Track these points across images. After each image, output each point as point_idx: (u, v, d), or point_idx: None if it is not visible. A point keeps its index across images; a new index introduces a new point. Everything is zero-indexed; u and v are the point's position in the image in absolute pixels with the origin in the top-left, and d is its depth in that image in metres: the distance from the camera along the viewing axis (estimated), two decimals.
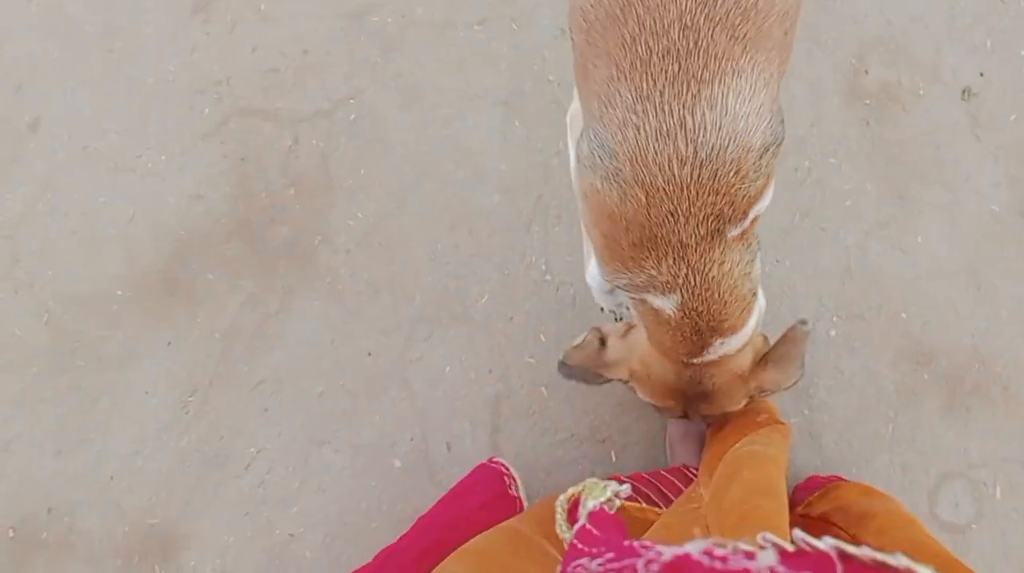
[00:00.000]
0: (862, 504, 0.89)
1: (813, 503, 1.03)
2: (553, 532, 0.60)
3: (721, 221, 0.69)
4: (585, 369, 0.85)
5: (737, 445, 0.82)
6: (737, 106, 0.65)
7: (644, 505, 0.97)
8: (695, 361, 0.80)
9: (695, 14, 0.63)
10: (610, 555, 0.44)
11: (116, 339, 1.34)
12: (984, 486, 1.21)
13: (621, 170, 0.69)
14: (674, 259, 0.71)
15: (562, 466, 1.25)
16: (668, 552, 0.40)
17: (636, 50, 0.65)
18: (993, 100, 1.35)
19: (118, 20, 1.48)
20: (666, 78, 0.64)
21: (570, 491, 0.61)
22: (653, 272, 0.73)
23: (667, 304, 0.75)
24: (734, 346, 0.80)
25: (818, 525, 0.92)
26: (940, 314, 1.28)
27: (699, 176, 0.66)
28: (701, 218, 0.69)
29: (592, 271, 1.17)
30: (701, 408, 0.87)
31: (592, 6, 0.69)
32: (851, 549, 0.33)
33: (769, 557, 0.35)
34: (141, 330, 1.34)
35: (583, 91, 0.76)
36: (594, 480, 0.61)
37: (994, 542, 1.18)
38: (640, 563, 0.40)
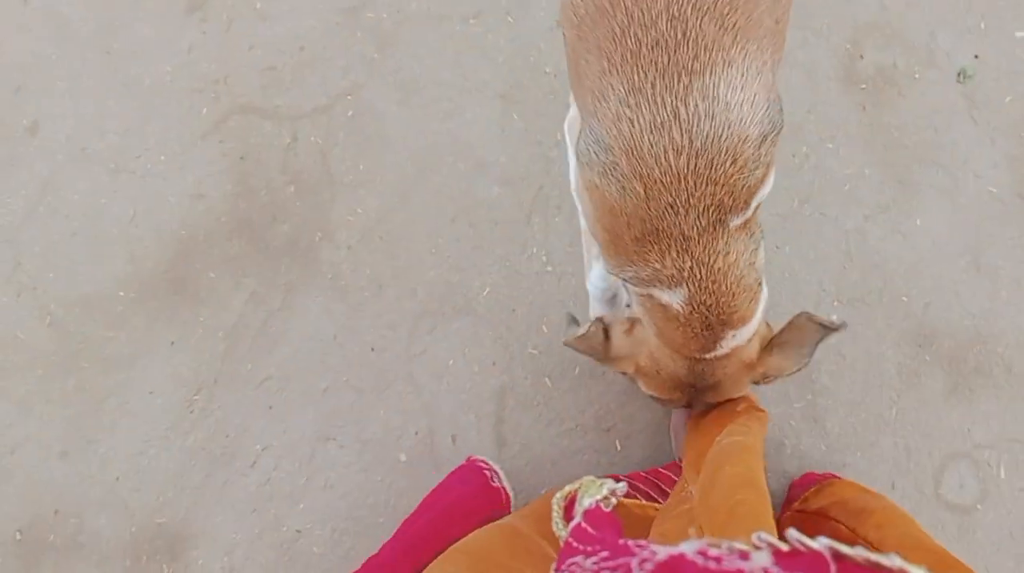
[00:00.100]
0: (860, 500, 0.89)
1: (809, 499, 1.03)
2: (551, 531, 0.60)
3: (722, 211, 0.69)
4: (587, 352, 0.85)
5: (719, 437, 0.82)
6: (730, 95, 0.65)
7: (643, 501, 0.98)
8: (707, 356, 0.80)
9: (682, 4, 0.63)
10: (605, 554, 0.44)
11: (120, 340, 1.34)
12: (988, 466, 1.21)
13: (618, 164, 0.69)
14: (678, 252, 0.71)
15: (567, 456, 1.25)
16: (662, 551, 0.40)
17: (626, 43, 0.65)
18: (988, 82, 1.36)
19: (115, 21, 1.48)
20: (656, 70, 0.64)
21: (567, 489, 0.61)
22: (658, 266, 0.73)
23: (675, 298, 0.75)
24: (744, 337, 0.80)
25: (815, 520, 0.92)
26: (941, 296, 1.28)
27: (696, 166, 0.66)
28: (701, 209, 0.69)
29: (593, 279, 1.18)
30: (707, 396, 0.87)
31: (582, 0, 0.69)
32: (845, 549, 0.33)
33: (763, 558, 0.35)
34: (145, 330, 1.34)
35: (577, 88, 0.76)
36: (591, 478, 0.61)
37: (999, 521, 1.19)
38: (634, 562, 0.41)
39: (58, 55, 1.47)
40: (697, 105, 0.64)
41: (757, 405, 0.94)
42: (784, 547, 0.35)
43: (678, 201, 0.68)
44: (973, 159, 1.33)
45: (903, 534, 0.72)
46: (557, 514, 0.59)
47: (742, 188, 0.68)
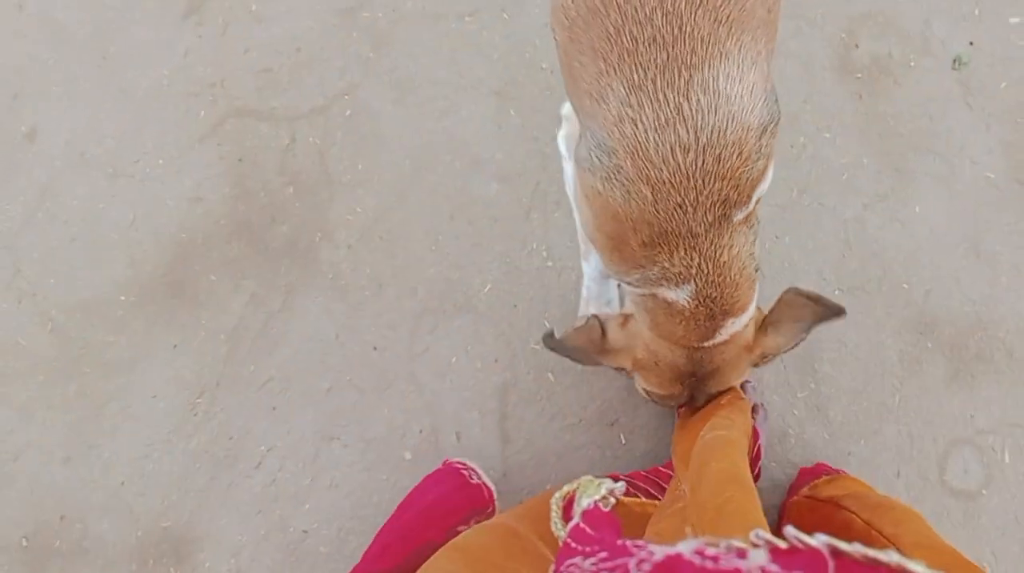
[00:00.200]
0: (876, 496, 0.89)
1: (820, 487, 1.03)
2: (549, 531, 0.60)
3: (728, 206, 0.69)
4: (583, 351, 0.85)
5: (703, 432, 0.83)
6: (729, 88, 0.65)
7: (644, 499, 0.98)
8: (707, 344, 0.80)
9: (675, 0, 0.63)
10: (603, 554, 0.44)
11: (121, 344, 1.34)
12: (993, 451, 1.21)
13: (622, 167, 0.68)
14: (685, 250, 0.71)
15: (571, 451, 1.25)
16: (660, 552, 0.40)
17: (622, 42, 0.65)
18: (983, 68, 1.36)
19: (110, 26, 1.48)
20: (656, 67, 0.64)
21: (565, 489, 0.61)
22: (666, 264, 0.73)
23: (681, 295, 0.75)
24: (743, 323, 0.81)
25: (826, 507, 0.92)
26: (941, 283, 1.28)
27: (704, 162, 0.66)
28: (709, 205, 0.69)
29: (588, 283, 1.18)
30: (708, 386, 0.87)
31: (572, 1, 0.68)
32: (843, 546, 0.33)
33: (760, 556, 0.35)
34: (146, 334, 1.34)
35: (573, 91, 0.75)
36: (589, 478, 0.61)
37: (1005, 506, 1.19)
38: (632, 562, 0.41)
39: (54, 61, 1.47)
40: (699, 99, 0.64)
41: (740, 396, 0.94)
42: (782, 544, 0.35)
43: (687, 200, 0.68)
44: (969, 146, 1.34)
45: (920, 534, 0.72)
46: (556, 514, 0.59)
47: (746, 181, 0.69)
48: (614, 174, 0.69)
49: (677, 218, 0.69)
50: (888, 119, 1.35)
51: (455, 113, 1.40)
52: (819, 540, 0.34)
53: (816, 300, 0.78)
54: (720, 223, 0.70)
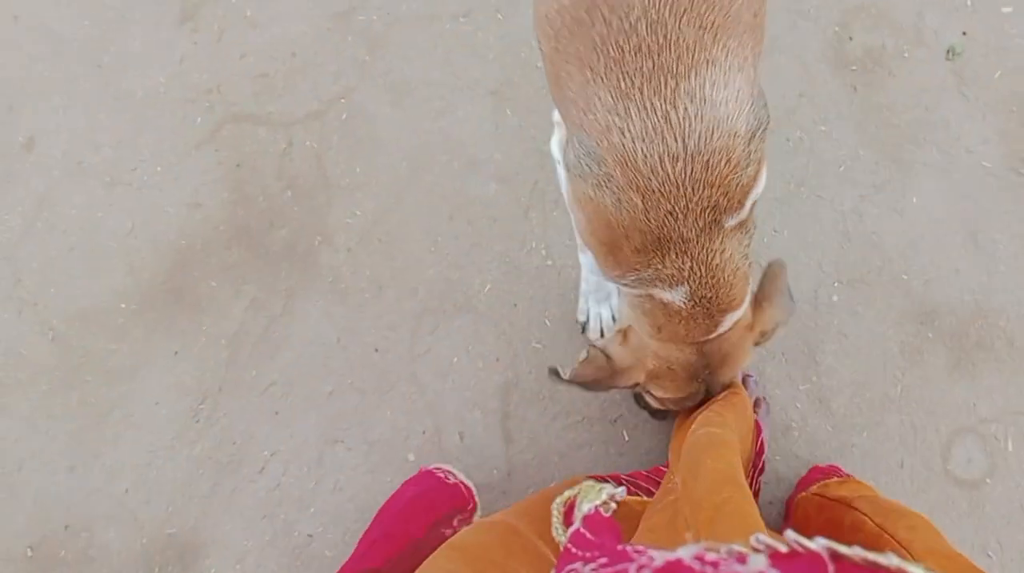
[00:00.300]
0: (889, 501, 0.88)
1: (831, 487, 1.03)
2: (548, 531, 0.60)
3: (718, 212, 0.70)
4: (597, 381, 0.85)
5: (694, 427, 0.83)
6: (715, 94, 0.65)
7: (645, 498, 0.98)
8: (711, 337, 0.81)
9: (660, 8, 0.63)
10: (603, 560, 0.44)
11: (123, 352, 1.34)
12: (996, 440, 1.22)
13: (612, 175, 0.68)
14: (677, 254, 0.72)
15: (575, 449, 1.25)
16: (660, 557, 0.40)
17: (608, 51, 0.65)
18: (977, 58, 1.37)
19: (105, 34, 1.48)
20: (643, 75, 0.64)
21: (566, 493, 0.61)
22: (659, 267, 0.74)
23: (676, 296, 0.76)
24: (740, 313, 0.82)
25: (836, 507, 0.92)
26: (941, 273, 1.29)
27: (692, 171, 0.66)
28: (699, 212, 0.69)
29: (585, 274, 1.18)
30: (722, 375, 0.88)
31: (557, 12, 0.68)
32: (843, 549, 0.33)
33: (760, 562, 0.35)
34: (147, 341, 1.34)
35: (560, 100, 0.76)
36: (590, 483, 0.61)
37: (1010, 494, 1.19)
38: (632, 568, 0.41)
39: (50, 70, 1.47)
40: (687, 107, 0.64)
41: (737, 392, 0.93)
42: (782, 548, 0.35)
43: (677, 208, 0.68)
44: (965, 135, 1.34)
45: (933, 541, 0.72)
46: (557, 520, 0.59)
47: (736, 187, 0.69)
48: (605, 182, 0.69)
49: (668, 225, 0.69)
50: (884, 110, 1.36)
51: (451, 114, 1.40)
52: (819, 543, 0.34)
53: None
54: (711, 228, 0.71)
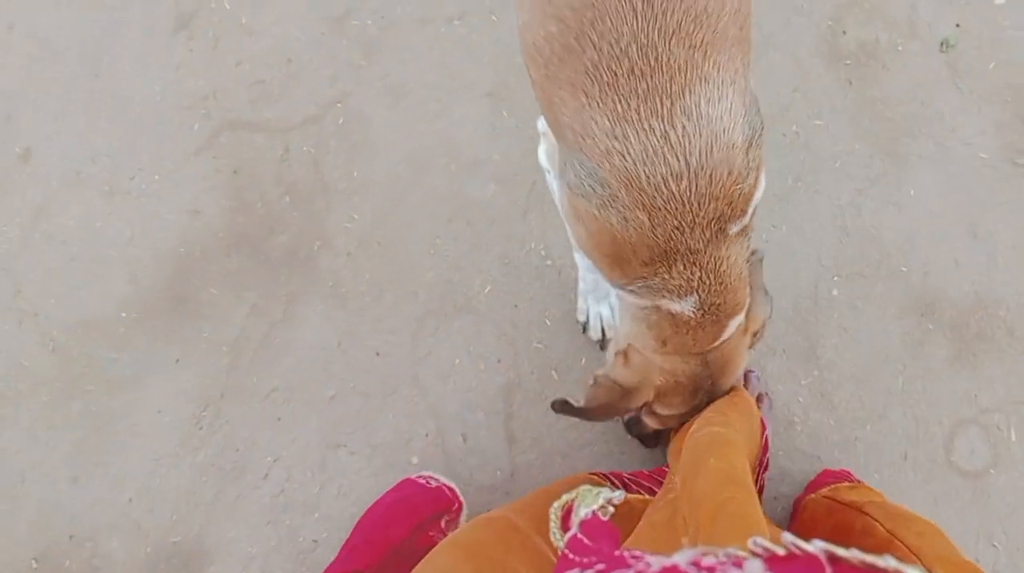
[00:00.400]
0: (900, 508, 0.89)
1: (842, 490, 1.03)
2: (548, 530, 0.60)
3: (723, 221, 0.71)
4: (609, 406, 0.85)
5: (694, 428, 0.83)
6: (711, 110, 0.66)
7: (647, 497, 0.98)
8: (716, 345, 0.82)
9: (648, 31, 0.63)
10: (600, 566, 0.44)
11: (124, 361, 1.33)
12: (999, 430, 1.22)
13: (617, 196, 0.69)
14: (685, 265, 0.73)
15: (578, 448, 1.25)
16: (656, 562, 0.40)
17: (601, 76, 0.65)
18: (971, 50, 1.37)
19: (100, 43, 1.48)
20: (638, 97, 0.65)
21: (564, 498, 0.61)
22: (666, 276, 0.74)
23: (685, 306, 0.77)
24: (742, 316, 0.83)
25: (846, 511, 0.92)
26: (940, 265, 1.29)
27: (697, 186, 0.67)
28: (705, 224, 0.70)
29: (583, 273, 1.18)
30: (724, 383, 0.88)
31: (545, 40, 0.69)
32: (840, 551, 0.33)
33: (756, 567, 0.35)
34: (148, 349, 1.34)
35: (554, 124, 0.76)
36: (587, 487, 0.61)
37: (1014, 483, 1.19)
38: None
39: (46, 80, 1.47)
40: (684, 126, 0.65)
41: (740, 394, 0.93)
42: (780, 551, 0.35)
43: (683, 222, 0.69)
44: (960, 127, 1.34)
45: (942, 548, 0.72)
46: (555, 524, 0.59)
47: (739, 196, 0.70)
48: (610, 202, 0.70)
49: (675, 238, 0.71)
50: (878, 104, 1.36)
51: (448, 116, 1.40)
52: (816, 546, 0.34)
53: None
54: (717, 237, 0.72)
